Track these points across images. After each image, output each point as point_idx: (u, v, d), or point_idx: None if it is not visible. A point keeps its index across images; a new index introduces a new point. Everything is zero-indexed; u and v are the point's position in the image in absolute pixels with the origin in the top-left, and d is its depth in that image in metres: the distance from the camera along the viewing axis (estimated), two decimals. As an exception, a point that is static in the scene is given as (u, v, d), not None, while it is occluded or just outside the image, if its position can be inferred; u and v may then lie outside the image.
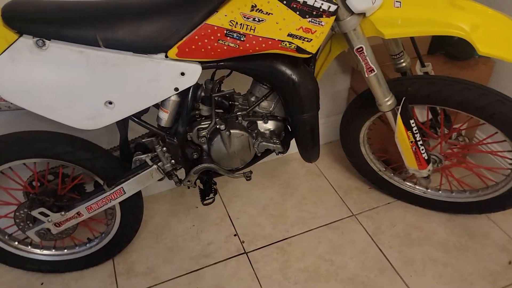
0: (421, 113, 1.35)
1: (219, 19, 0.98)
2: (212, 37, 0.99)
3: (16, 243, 1.37)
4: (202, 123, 1.15)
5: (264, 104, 1.18)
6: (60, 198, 1.23)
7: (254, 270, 1.44)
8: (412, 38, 1.27)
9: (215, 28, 0.98)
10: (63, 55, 0.95)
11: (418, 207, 1.62)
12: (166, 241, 1.55)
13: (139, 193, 1.32)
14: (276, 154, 1.19)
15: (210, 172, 1.24)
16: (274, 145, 1.16)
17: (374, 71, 1.11)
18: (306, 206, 1.66)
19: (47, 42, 0.94)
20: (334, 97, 1.83)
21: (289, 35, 0.99)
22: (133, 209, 1.34)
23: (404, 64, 1.28)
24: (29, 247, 1.39)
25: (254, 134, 1.17)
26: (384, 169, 1.59)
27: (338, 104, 1.87)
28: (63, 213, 1.20)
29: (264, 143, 1.16)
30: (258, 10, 0.96)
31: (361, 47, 1.07)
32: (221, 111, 1.18)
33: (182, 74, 1.03)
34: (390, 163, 1.59)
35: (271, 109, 1.19)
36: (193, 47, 1.00)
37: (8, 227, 1.35)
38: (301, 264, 1.45)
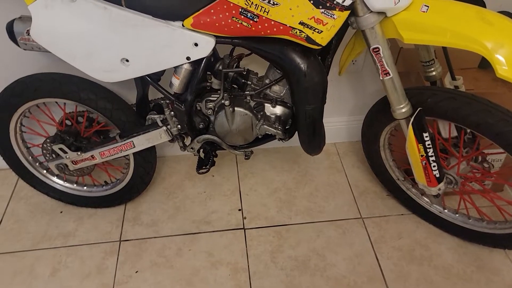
0: (444, 128, 1.27)
1: (236, -5, 0.99)
2: (227, 13, 1.01)
3: (45, 171, 1.54)
4: (212, 96, 1.19)
5: (276, 88, 1.19)
6: (80, 139, 1.35)
7: (246, 247, 1.48)
8: (443, 47, 1.19)
9: (231, 4, 1.00)
10: (89, 8, 1.03)
11: (431, 225, 1.54)
12: (175, 200, 1.64)
13: (152, 150, 1.40)
14: (278, 140, 1.20)
15: (214, 144, 1.29)
16: (275, 130, 1.17)
17: (389, 74, 1.07)
18: (316, 198, 1.65)
19: (77, -5, 1.02)
20: (374, 95, 1.76)
21: (301, 23, 0.98)
22: (145, 163, 1.43)
23: (434, 73, 1.21)
24: (55, 177, 1.55)
25: (259, 116, 1.19)
26: (403, 178, 1.53)
27: (373, 102, 1.80)
28: (79, 153, 1.32)
29: (265, 126, 1.17)
30: None
31: (378, 48, 1.03)
32: (236, 87, 1.21)
33: (196, 44, 1.07)
34: (411, 174, 1.52)
35: (281, 94, 1.19)
36: (208, 20, 1.03)
37: (39, 155, 1.52)
38: (292, 252, 1.47)
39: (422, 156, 1.18)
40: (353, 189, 1.69)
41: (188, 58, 1.09)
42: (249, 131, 1.20)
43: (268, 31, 1.01)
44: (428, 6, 0.98)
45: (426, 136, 1.15)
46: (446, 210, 1.47)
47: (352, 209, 1.61)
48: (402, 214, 1.59)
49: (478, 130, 1.10)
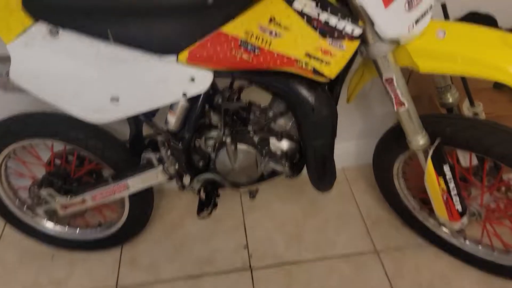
0: (464, 157, 1.17)
1: (235, 27, 0.90)
2: (226, 46, 0.92)
3: (34, 215, 1.43)
4: (211, 132, 1.09)
5: (281, 121, 1.09)
6: (70, 181, 1.25)
7: (254, 289, 1.37)
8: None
9: (229, 37, 0.91)
10: (74, 45, 0.94)
11: (451, 257, 1.43)
12: (176, 239, 1.53)
13: (149, 190, 1.30)
14: (285, 177, 1.10)
15: (216, 183, 1.19)
16: (282, 167, 1.07)
17: (404, 105, 0.97)
18: (327, 230, 1.55)
19: (60, 30, 0.93)
20: (383, 118, 1.67)
21: (307, 54, 0.89)
22: (142, 203, 1.33)
23: (450, 100, 1.12)
24: (45, 221, 1.44)
25: (263, 152, 1.09)
26: (419, 208, 1.42)
27: (386, 126, 1.70)
28: (69, 197, 1.22)
29: (271, 163, 1.07)
30: (276, 24, 0.88)
31: (391, 78, 0.93)
32: (237, 120, 1.11)
33: (192, 79, 0.97)
34: (427, 203, 1.42)
35: (287, 127, 1.09)
36: (205, 54, 0.93)
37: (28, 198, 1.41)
38: (304, 294, 1.36)
39: (443, 190, 1.08)
40: (365, 218, 1.59)
41: (184, 94, 0.99)
42: (253, 168, 1.10)
43: (271, 64, 0.92)
44: (444, 32, 0.89)
45: (447, 169, 1.05)
46: (467, 242, 1.37)
47: (366, 242, 1.50)
48: (419, 245, 1.48)
49: (504, 162, 1.00)
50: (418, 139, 1.04)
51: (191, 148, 1.10)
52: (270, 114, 1.09)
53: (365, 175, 1.75)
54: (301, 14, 0.86)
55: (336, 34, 0.85)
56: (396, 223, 1.56)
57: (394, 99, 0.97)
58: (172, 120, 1.06)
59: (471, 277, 1.37)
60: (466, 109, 1.12)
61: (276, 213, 1.61)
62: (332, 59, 0.88)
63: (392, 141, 1.23)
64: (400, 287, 1.36)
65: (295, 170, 1.09)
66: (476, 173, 1.20)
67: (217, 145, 1.09)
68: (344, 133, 1.70)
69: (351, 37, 0.85)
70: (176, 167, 1.13)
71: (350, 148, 1.74)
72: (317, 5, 0.85)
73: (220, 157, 1.09)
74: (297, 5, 0.86)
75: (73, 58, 0.96)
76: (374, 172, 1.42)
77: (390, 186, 1.40)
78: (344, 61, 0.88)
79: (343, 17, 0.84)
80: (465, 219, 1.15)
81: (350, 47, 0.86)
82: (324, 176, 1.06)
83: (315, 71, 0.90)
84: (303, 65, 0.90)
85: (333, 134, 1.01)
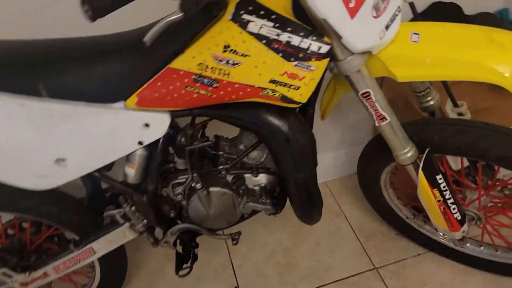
0: (455, 160, 1.09)
1: (186, 61, 0.79)
2: (178, 83, 0.81)
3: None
4: (178, 178, 0.97)
5: (254, 154, 0.98)
6: (27, 255, 1.10)
7: (252, 335, 1.25)
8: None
9: (181, 72, 0.80)
10: (2, 108, 0.80)
11: (454, 262, 1.35)
12: (159, 291, 1.39)
13: (120, 249, 1.16)
14: (269, 215, 0.99)
15: (192, 232, 1.06)
16: (264, 206, 0.96)
17: (386, 119, 0.88)
18: (319, 254, 1.44)
19: (-18, 93, 0.79)
20: (357, 125, 1.58)
21: (272, 81, 0.78)
22: (114, 262, 1.19)
23: (431, 103, 1.03)
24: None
25: (240, 192, 0.97)
26: (412, 216, 1.34)
27: (362, 133, 1.62)
28: (28, 273, 1.07)
29: (250, 203, 0.95)
30: (232, 51, 0.77)
31: (368, 92, 0.84)
32: (205, 159, 0.99)
33: (146, 125, 0.85)
34: (421, 211, 1.33)
35: (262, 159, 0.98)
36: (156, 95, 0.82)
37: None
38: (307, 331, 1.24)
39: (439, 201, 0.99)
40: (358, 233, 1.49)
41: (140, 143, 0.87)
42: (231, 211, 0.99)
43: (234, 96, 0.81)
44: (418, 34, 0.80)
45: (440, 179, 0.97)
46: (468, 244, 1.29)
47: (363, 259, 1.41)
48: (418, 254, 1.39)
49: (502, 164, 0.92)
50: (405, 153, 0.94)
51: (158, 199, 0.98)
52: (241, 147, 0.98)
53: (349, 187, 1.66)
54: (259, 37, 0.75)
55: (301, 55, 0.75)
56: (391, 234, 1.47)
57: (374, 114, 0.87)
58: (131, 173, 0.93)
59: (478, 281, 1.29)
60: (450, 111, 1.04)
61: (263, 244, 1.49)
62: (300, 83, 0.78)
63: (376, 153, 1.14)
64: (407, 305, 1.27)
65: (278, 206, 0.98)
66: (468, 174, 1.12)
67: (187, 191, 0.97)
68: (319, 147, 1.60)
69: (319, 56, 0.75)
70: (145, 222, 1.00)
71: (329, 160, 1.65)
72: (275, 25, 0.74)
73: (192, 205, 0.97)
74: (252, 27, 0.75)
75: (4, 122, 0.82)
76: (360, 186, 1.33)
77: (379, 198, 1.31)
78: (314, 83, 0.78)
79: (307, 34, 0.74)
80: (465, 227, 1.06)
81: (319, 66, 0.76)
82: (310, 208, 0.96)
83: (284, 98, 0.79)
84: (270, 94, 0.80)
85: (314, 163, 0.90)
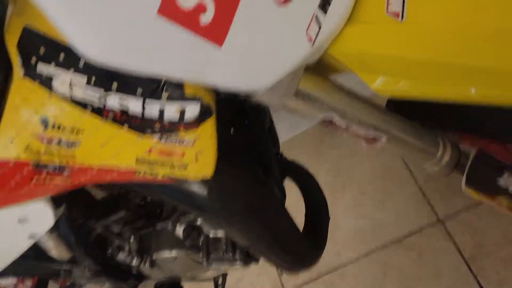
0: None
1: (6, 148, 0.47)
2: (18, 176, 0.50)
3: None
4: (115, 241, 0.71)
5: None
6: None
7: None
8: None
9: (12, 163, 0.49)
10: None
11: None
12: None
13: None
14: (241, 267, 0.71)
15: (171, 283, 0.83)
16: (234, 262, 0.67)
17: (378, 138, 0.48)
18: (364, 207, 1.14)
19: None
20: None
21: (139, 161, 0.44)
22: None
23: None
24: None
25: (198, 246, 0.69)
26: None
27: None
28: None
29: (215, 263, 0.67)
30: (56, 127, 0.43)
31: (330, 118, 0.44)
32: (141, 216, 0.71)
33: (23, 220, 0.59)
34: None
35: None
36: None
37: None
38: (356, 315, 1.04)
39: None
40: (415, 172, 1.13)
41: (32, 236, 0.62)
42: (196, 268, 0.72)
43: (107, 178, 0.49)
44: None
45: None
46: None
47: (423, 209, 1.08)
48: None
49: None
50: (441, 157, 0.55)
51: (107, 263, 0.75)
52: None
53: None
54: (79, 103, 0.39)
55: (157, 126, 0.38)
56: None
57: (362, 141, 0.48)
58: (55, 253, 0.71)
59: None
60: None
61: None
62: (184, 160, 0.42)
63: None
64: (486, 272, 0.96)
65: (251, 259, 0.68)
66: None
67: (133, 262, 0.71)
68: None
69: (189, 123, 0.37)
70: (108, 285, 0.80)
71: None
72: (89, 82, 0.37)
73: (147, 273, 0.73)
74: (60, 87, 0.39)
75: None
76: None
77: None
78: (210, 153, 0.42)
79: (148, 91, 0.36)
80: None
81: (203, 133, 0.39)
82: (292, 259, 0.64)
83: (174, 179, 0.45)
84: (148, 175, 0.46)
85: (277, 217, 0.56)
